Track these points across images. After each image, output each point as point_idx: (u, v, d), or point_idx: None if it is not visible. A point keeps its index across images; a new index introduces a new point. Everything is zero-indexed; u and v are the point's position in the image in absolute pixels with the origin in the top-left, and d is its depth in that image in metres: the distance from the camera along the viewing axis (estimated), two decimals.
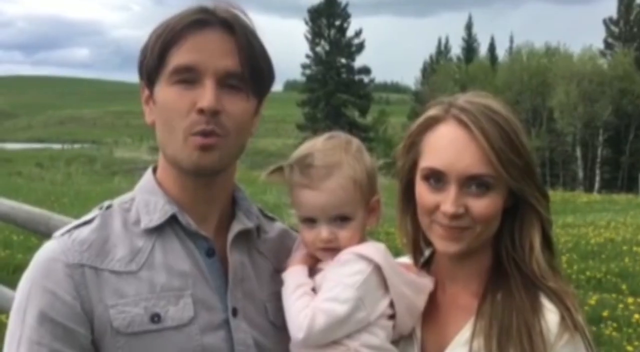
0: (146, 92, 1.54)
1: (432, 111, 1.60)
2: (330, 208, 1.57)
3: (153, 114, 1.53)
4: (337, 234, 1.58)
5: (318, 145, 1.61)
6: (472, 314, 1.59)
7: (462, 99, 1.59)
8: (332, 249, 1.58)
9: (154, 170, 1.61)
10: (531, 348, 1.48)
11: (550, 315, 1.51)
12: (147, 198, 1.54)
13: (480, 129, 1.51)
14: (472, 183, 1.52)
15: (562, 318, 1.50)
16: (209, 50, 1.45)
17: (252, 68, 1.48)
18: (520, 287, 1.56)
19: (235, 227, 1.57)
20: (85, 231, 1.48)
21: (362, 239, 1.60)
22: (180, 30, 1.45)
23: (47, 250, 1.46)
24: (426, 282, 1.63)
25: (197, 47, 1.45)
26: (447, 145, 1.54)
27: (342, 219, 1.58)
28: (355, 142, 1.65)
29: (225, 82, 1.46)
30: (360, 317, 1.50)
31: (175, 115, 1.45)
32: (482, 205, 1.53)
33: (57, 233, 1.50)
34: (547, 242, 1.61)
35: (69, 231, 1.49)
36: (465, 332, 1.58)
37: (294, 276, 1.57)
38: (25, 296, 1.41)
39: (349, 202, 1.57)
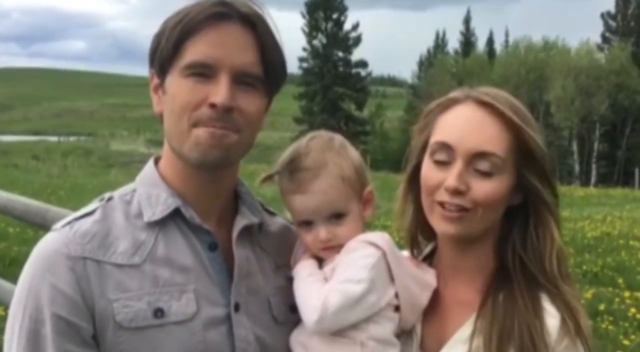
0: (156, 80, 1.51)
1: (453, 94, 1.61)
2: (322, 208, 1.57)
3: (161, 104, 1.50)
4: (335, 232, 1.58)
5: (300, 148, 1.61)
6: (472, 310, 1.58)
7: (481, 89, 1.60)
8: (334, 247, 1.58)
9: (156, 162, 1.58)
10: (534, 347, 1.47)
11: (551, 319, 1.50)
12: (149, 190, 1.51)
13: (504, 104, 1.53)
14: (478, 162, 1.51)
15: (563, 323, 1.49)
16: (227, 46, 1.43)
17: (268, 67, 1.47)
18: (523, 289, 1.55)
19: (241, 222, 1.56)
20: (86, 223, 1.45)
21: (362, 232, 1.60)
22: (199, 22, 1.42)
23: (48, 242, 1.43)
24: (429, 279, 1.63)
25: (215, 41, 1.42)
26: (460, 122, 1.55)
27: (337, 216, 1.58)
28: (338, 138, 1.65)
29: (240, 79, 1.44)
30: (372, 301, 1.50)
31: (185, 107, 1.42)
32: (485, 187, 1.51)
33: (57, 225, 1.47)
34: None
35: (69, 222, 1.46)
36: (466, 330, 1.57)
37: (306, 267, 1.58)
38: (26, 288, 1.39)
39: (340, 198, 1.58)
